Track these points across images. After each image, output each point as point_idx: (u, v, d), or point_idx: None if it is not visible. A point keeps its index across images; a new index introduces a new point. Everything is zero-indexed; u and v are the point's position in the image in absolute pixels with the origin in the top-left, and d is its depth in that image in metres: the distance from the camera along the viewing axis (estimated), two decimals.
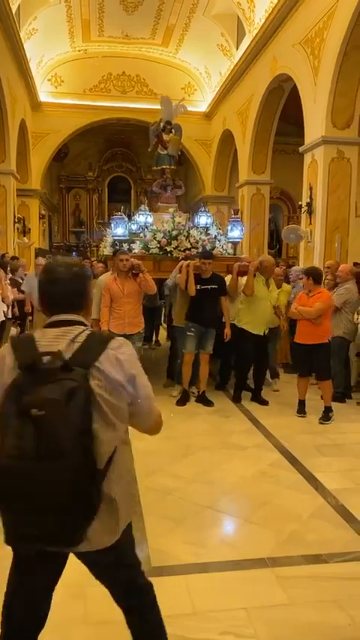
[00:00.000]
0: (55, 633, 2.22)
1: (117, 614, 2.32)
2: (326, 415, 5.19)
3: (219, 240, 7.17)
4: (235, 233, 7.34)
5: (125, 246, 6.79)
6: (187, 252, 6.54)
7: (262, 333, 5.83)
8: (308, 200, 8.98)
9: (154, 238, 6.70)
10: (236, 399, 5.91)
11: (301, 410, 5.42)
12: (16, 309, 7.42)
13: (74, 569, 2.66)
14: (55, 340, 1.50)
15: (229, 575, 2.66)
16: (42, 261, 7.75)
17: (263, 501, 3.45)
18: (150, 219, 7.45)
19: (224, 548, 2.94)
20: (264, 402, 5.85)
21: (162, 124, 8.32)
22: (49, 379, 1.35)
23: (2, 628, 1.70)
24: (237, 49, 12.86)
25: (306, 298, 5.32)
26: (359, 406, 5.73)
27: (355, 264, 7.96)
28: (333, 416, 5.20)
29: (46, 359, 1.39)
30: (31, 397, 1.32)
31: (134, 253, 6.48)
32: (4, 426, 1.33)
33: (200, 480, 3.75)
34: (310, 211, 8.93)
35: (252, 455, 4.28)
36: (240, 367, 6.12)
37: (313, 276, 5.34)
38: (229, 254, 7.27)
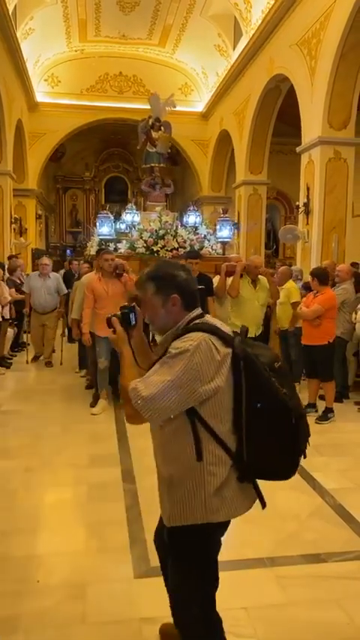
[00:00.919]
0: (55, 633, 2.22)
1: (116, 614, 2.33)
2: (325, 415, 5.18)
3: (208, 240, 7.09)
4: (224, 233, 7.27)
5: (111, 246, 6.70)
6: (175, 251, 6.45)
7: (253, 335, 5.57)
8: (305, 200, 9.00)
9: (141, 238, 6.61)
10: None
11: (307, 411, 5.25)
12: (12, 310, 7.39)
13: (73, 570, 2.67)
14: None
15: (228, 575, 2.64)
16: (46, 260, 7.70)
17: None
18: (137, 218, 7.35)
19: (223, 548, 2.93)
20: None
21: (151, 121, 8.17)
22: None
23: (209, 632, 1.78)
24: (234, 49, 12.87)
25: (312, 298, 5.29)
26: (357, 406, 5.74)
27: (353, 264, 7.99)
28: (333, 417, 5.18)
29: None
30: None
31: (120, 253, 6.40)
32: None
33: None
34: (307, 212, 8.94)
35: None
36: None
37: (318, 276, 5.28)
38: (217, 254, 7.20)
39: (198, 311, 1.76)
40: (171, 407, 1.58)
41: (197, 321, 1.72)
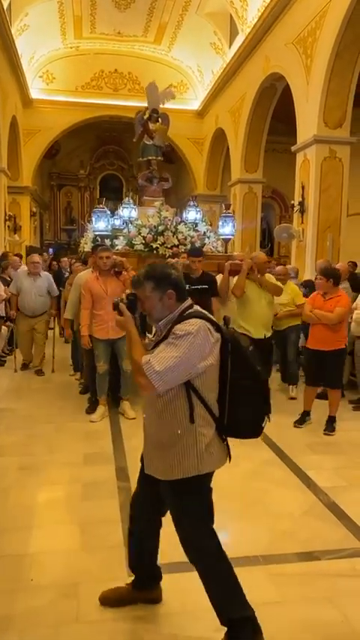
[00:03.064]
0: (49, 632, 2.22)
1: (110, 612, 2.32)
2: (331, 425, 4.83)
3: (208, 237, 6.87)
4: (227, 229, 7.00)
5: (107, 242, 6.40)
6: (175, 249, 6.20)
7: (262, 337, 5.15)
8: (300, 199, 9.01)
9: (139, 234, 6.29)
10: None
11: (302, 420, 4.97)
12: (8, 308, 7.19)
13: (67, 569, 2.66)
14: None
15: None
16: (37, 258, 7.08)
17: (255, 499, 3.46)
18: (134, 214, 7.08)
19: None
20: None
21: (148, 113, 7.93)
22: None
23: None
24: (229, 47, 12.87)
25: (322, 301, 4.85)
26: (351, 404, 5.75)
27: (351, 263, 8.01)
28: (336, 426, 4.91)
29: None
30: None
31: (117, 250, 6.09)
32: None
33: None
34: (302, 210, 8.96)
35: (244, 453, 4.26)
36: None
37: (334, 277, 4.85)
38: (219, 252, 6.99)
39: (188, 302, 2.08)
40: (177, 378, 1.93)
41: (190, 310, 2.05)
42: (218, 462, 2.09)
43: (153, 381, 1.90)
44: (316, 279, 4.95)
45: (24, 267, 7.50)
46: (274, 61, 10.21)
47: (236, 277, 5.28)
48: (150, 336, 2.22)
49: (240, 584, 2.09)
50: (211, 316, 2.08)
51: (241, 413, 2.07)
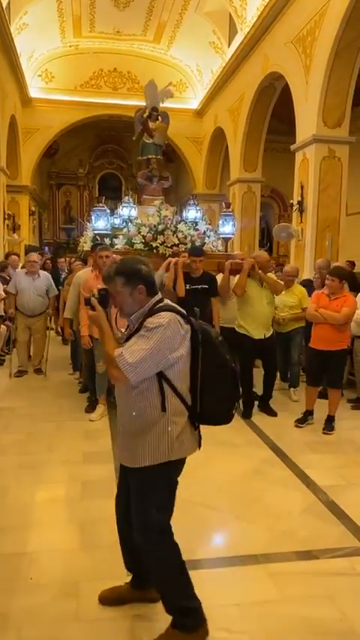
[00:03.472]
0: (48, 631, 2.22)
1: (110, 611, 2.32)
2: (330, 424, 4.82)
3: (208, 237, 6.85)
4: (227, 228, 6.95)
5: (107, 242, 6.28)
6: (175, 248, 6.16)
7: (262, 337, 5.16)
8: (299, 198, 9.02)
9: (139, 233, 6.27)
10: (246, 415, 5.18)
11: (304, 420, 4.96)
12: (7, 307, 7.15)
13: (66, 567, 2.66)
14: None
15: (221, 572, 2.67)
16: (35, 257, 7.00)
17: (255, 498, 3.47)
18: (134, 212, 7.06)
19: (216, 545, 2.95)
20: (272, 413, 5.28)
21: (147, 111, 7.88)
22: None
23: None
24: (229, 46, 12.86)
25: (327, 300, 4.78)
26: (350, 403, 5.75)
27: (348, 263, 8.01)
28: (335, 425, 4.91)
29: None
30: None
31: (116, 249, 6.05)
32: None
33: (192, 477, 3.73)
34: (301, 210, 8.96)
35: (243, 452, 4.28)
36: (243, 381, 5.26)
37: (347, 279, 4.75)
38: (219, 251, 6.96)
39: (158, 296, 2.13)
40: (150, 370, 1.99)
41: (161, 304, 2.09)
42: (189, 450, 2.15)
43: (126, 373, 1.95)
44: (327, 279, 4.84)
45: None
46: (273, 61, 10.21)
47: (237, 276, 5.24)
48: (122, 329, 2.27)
49: (189, 577, 2.14)
50: (181, 309, 2.13)
51: (212, 400, 2.14)
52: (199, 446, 2.21)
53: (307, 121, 8.78)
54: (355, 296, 5.92)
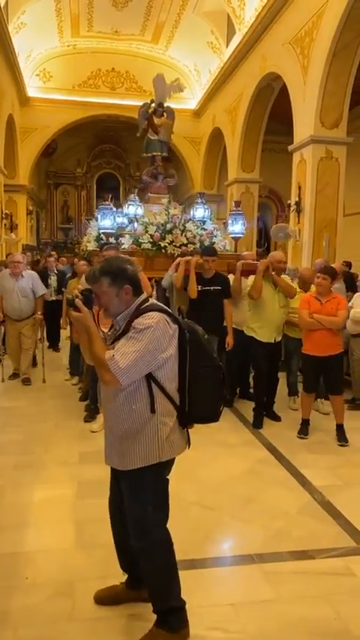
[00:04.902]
0: (44, 630, 2.22)
1: (105, 611, 2.33)
2: (343, 435, 4.58)
3: (215, 236, 6.73)
4: (237, 227, 6.79)
5: (112, 241, 6.15)
6: (184, 247, 5.97)
7: (272, 340, 4.97)
8: (297, 199, 9.03)
9: (147, 232, 6.14)
10: (257, 425, 4.89)
11: (305, 430, 4.71)
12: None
13: (62, 567, 2.66)
14: None
15: (216, 572, 2.68)
16: (19, 257, 6.53)
17: (250, 498, 3.48)
18: (140, 211, 6.97)
19: (211, 544, 2.96)
20: (276, 418, 5.09)
21: (153, 106, 7.72)
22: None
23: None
24: (227, 47, 12.87)
25: (318, 304, 4.57)
26: (346, 404, 5.75)
27: (345, 263, 8.02)
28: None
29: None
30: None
31: (124, 249, 5.95)
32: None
33: (188, 477, 3.76)
34: (299, 210, 8.98)
35: (240, 452, 4.29)
36: (255, 385, 5.15)
37: (336, 277, 4.60)
38: (227, 251, 6.82)
39: (144, 296, 2.11)
40: (140, 372, 1.98)
41: (147, 304, 2.08)
42: (178, 450, 2.16)
43: (118, 376, 1.93)
44: (317, 277, 4.66)
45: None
46: (271, 61, 10.22)
47: (249, 278, 5.04)
48: (104, 329, 2.22)
49: (178, 577, 2.15)
50: (167, 308, 2.13)
51: (200, 399, 2.14)
52: (189, 445, 2.21)
53: (304, 121, 8.79)
54: (353, 296, 5.99)
